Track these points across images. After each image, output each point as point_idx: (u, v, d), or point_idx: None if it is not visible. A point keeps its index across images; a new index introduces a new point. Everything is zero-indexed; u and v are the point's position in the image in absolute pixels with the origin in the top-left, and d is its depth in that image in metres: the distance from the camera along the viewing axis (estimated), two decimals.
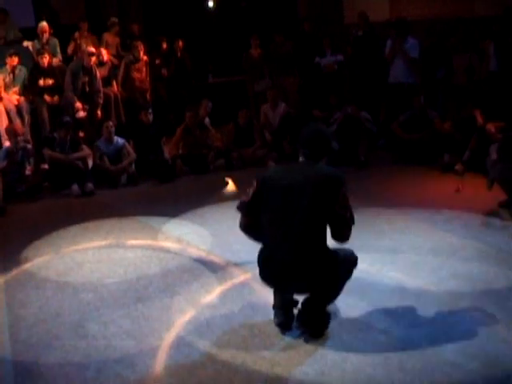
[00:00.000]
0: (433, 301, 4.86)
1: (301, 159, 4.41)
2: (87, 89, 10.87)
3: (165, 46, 12.48)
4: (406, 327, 4.46)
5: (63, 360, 4.37)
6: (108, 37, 12.49)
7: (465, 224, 6.58)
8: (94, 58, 11.00)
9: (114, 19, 12.78)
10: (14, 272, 6.05)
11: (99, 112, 10.99)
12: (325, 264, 4.24)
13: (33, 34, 11.79)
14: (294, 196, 4.19)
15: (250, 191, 4.39)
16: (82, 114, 10.76)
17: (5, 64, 10.85)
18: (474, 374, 3.88)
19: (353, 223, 4.26)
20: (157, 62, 12.19)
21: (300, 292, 4.50)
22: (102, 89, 11.07)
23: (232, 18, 15.01)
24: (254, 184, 4.38)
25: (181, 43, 12.44)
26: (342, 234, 4.28)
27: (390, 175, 8.96)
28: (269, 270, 4.41)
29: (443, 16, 11.58)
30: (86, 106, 10.81)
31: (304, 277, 4.28)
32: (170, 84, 12.22)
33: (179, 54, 12.42)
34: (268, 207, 4.30)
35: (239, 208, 4.50)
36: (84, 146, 9.45)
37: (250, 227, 4.51)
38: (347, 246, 4.38)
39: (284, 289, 4.49)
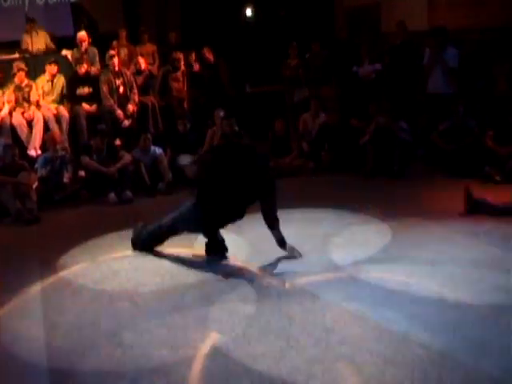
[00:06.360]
0: (472, 314, 4.76)
1: None
2: (122, 90, 10.89)
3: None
4: (445, 341, 4.36)
5: (98, 368, 4.35)
6: (142, 46, 12.59)
7: (506, 235, 6.44)
8: (115, 60, 10.90)
9: (142, 28, 12.96)
10: (51, 279, 6.05)
11: (132, 107, 10.89)
12: None
13: (71, 43, 11.88)
14: None
15: None
16: (126, 123, 10.78)
17: (43, 72, 10.93)
18: None
19: None
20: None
21: None
22: (136, 92, 11.09)
23: (270, 26, 14.99)
24: None
25: (206, 51, 12.14)
26: None
27: (429, 186, 8.84)
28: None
29: (482, 25, 11.37)
30: (128, 114, 10.79)
31: None
32: (207, 93, 12.05)
33: (212, 62, 12.23)
34: None
35: None
36: (124, 153, 9.51)
37: None
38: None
39: None
